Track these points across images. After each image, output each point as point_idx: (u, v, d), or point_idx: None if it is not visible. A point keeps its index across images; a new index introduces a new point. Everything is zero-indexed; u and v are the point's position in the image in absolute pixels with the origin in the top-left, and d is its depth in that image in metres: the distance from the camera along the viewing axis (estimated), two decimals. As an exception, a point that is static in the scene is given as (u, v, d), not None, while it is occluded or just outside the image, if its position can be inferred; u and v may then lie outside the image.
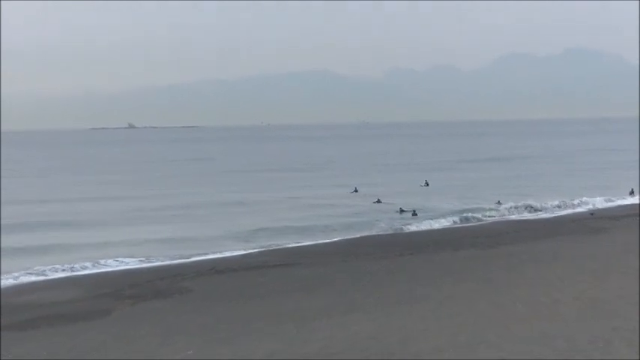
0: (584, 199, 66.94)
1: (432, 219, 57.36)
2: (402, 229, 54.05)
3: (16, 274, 38.41)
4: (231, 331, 24.20)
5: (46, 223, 58.52)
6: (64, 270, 39.65)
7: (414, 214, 60.48)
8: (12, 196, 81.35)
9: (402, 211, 62.65)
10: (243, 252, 44.64)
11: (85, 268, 40.38)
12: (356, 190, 79.85)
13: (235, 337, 23.12)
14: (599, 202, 66.23)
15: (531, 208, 62.54)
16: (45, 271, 39.52)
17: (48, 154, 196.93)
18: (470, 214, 59.06)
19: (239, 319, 26.22)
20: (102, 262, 41.78)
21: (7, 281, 37.33)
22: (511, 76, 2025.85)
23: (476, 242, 43.52)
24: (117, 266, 41.11)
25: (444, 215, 59.64)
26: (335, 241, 48.74)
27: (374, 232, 52.55)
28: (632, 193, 71.80)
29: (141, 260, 42.39)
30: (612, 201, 67.53)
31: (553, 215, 59.38)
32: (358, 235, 50.80)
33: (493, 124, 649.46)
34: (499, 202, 65.31)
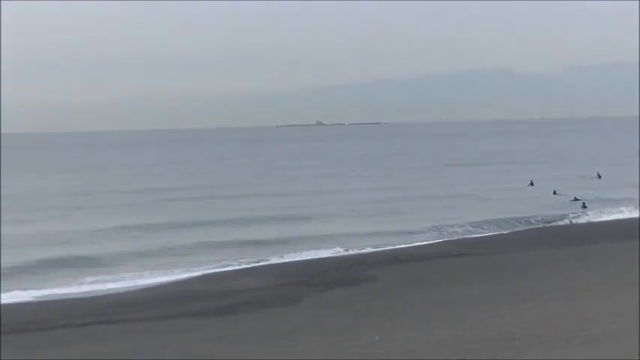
0: None
1: (606, 211, 56.95)
2: (577, 220, 53.80)
3: (232, 262, 40.67)
4: (415, 317, 24.54)
5: (283, 216, 59.74)
6: (261, 260, 41.41)
7: (584, 206, 59.65)
8: (263, 189, 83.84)
9: (575, 199, 62.72)
10: (426, 242, 45.29)
11: (284, 257, 42.04)
12: (532, 184, 79.24)
13: (420, 323, 23.34)
14: None
15: None
16: (242, 261, 41.39)
17: (264, 150, 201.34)
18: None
19: (422, 306, 26.56)
20: (299, 252, 43.46)
21: (214, 270, 39.30)
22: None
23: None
24: (308, 255, 42.51)
25: (616, 206, 59.30)
26: (516, 231, 48.95)
27: (552, 224, 52.25)
28: None
29: (335, 251, 43.48)
30: None
31: None
32: (540, 226, 51.03)
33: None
34: None
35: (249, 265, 40.45)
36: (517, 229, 50.21)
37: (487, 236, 47.63)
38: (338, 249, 44.23)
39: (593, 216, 55.57)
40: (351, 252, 43.23)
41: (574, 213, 56.76)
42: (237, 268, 39.91)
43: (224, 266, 40.09)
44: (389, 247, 44.23)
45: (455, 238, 47.13)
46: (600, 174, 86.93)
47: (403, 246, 44.53)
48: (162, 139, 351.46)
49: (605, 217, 55.07)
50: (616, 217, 54.78)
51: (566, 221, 53.58)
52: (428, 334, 21.49)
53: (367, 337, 21.72)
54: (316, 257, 42.00)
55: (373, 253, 42.73)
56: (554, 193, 69.81)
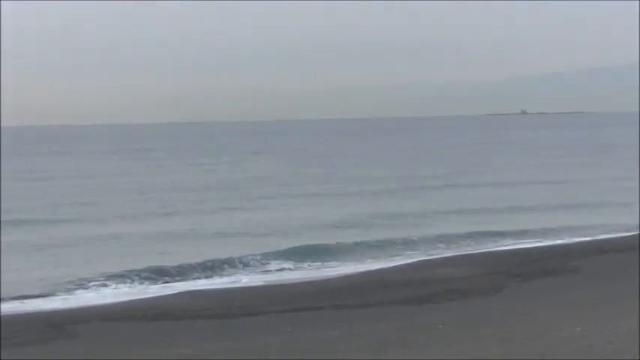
0: None
1: None
2: None
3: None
4: (617, 309, 23.45)
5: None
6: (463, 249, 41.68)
7: None
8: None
9: None
10: (632, 233, 43.58)
11: (485, 247, 42.26)
12: None
13: (623, 315, 22.17)
14: None
15: None
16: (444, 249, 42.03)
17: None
18: None
19: (627, 297, 25.39)
20: (499, 242, 43.46)
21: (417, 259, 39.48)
22: None
23: None
24: (509, 246, 42.19)
25: None
26: None
27: None
28: None
29: (535, 241, 43.18)
30: None
31: None
32: None
33: None
34: None
35: (450, 255, 40.19)
36: None
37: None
38: (539, 239, 43.49)
39: None
40: (552, 242, 42.45)
41: None
42: (438, 257, 39.72)
43: (428, 255, 40.17)
44: (591, 238, 43.14)
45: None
46: None
47: (606, 236, 43.38)
48: (382, 126, 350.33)
49: None
50: None
51: None
52: (632, 326, 20.34)
53: (569, 327, 20.96)
54: (517, 247, 41.29)
55: (575, 243, 41.81)
56: None
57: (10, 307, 30.55)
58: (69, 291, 33.39)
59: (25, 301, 31.77)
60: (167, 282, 35.21)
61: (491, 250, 41.15)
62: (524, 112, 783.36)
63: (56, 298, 32.46)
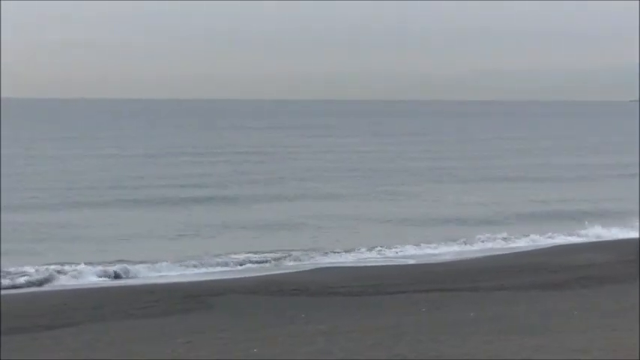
0: None
1: None
2: None
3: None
4: None
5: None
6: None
7: None
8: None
9: None
10: None
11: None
12: None
13: None
14: None
15: None
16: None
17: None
18: None
19: None
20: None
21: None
22: None
23: None
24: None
25: None
26: None
27: None
28: None
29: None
30: None
31: None
32: None
33: None
34: None
35: (592, 240, 39.56)
36: None
37: None
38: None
39: None
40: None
41: None
42: (573, 243, 39.09)
43: (567, 240, 39.56)
44: None
45: None
46: None
47: None
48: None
49: None
50: None
51: None
52: None
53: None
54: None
55: None
56: None
57: (151, 279, 31.30)
58: (208, 265, 33.71)
59: (166, 273, 32.52)
60: (300, 260, 35.25)
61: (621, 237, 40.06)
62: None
63: (196, 270, 33.00)
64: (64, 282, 30.38)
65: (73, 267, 31.67)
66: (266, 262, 34.32)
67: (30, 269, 31.22)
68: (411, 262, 34.72)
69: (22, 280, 30.03)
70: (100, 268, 32.06)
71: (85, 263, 32.30)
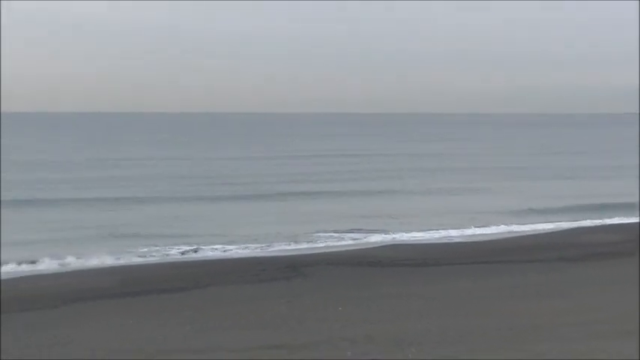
0: None
1: None
2: None
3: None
4: None
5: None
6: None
7: None
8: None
9: None
10: None
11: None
12: None
13: None
14: None
15: None
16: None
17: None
18: None
19: None
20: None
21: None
22: None
23: None
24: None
25: None
26: None
27: None
28: None
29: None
30: None
31: None
32: None
33: None
34: None
35: (602, 222, 45.21)
36: None
37: None
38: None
39: None
40: None
41: None
42: (592, 225, 44.72)
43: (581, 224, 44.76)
44: None
45: None
46: None
47: None
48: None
49: None
50: None
51: None
52: None
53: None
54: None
55: None
56: None
57: (260, 251, 37.83)
58: (306, 240, 40.68)
59: (273, 245, 39.56)
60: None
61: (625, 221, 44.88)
62: None
63: (297, 245, 39.82)
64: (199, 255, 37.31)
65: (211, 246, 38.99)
66: (350, 240, 41.16)
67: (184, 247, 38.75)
68: (458, 239, 40.99)
69: (173, 251, 37.91)
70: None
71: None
